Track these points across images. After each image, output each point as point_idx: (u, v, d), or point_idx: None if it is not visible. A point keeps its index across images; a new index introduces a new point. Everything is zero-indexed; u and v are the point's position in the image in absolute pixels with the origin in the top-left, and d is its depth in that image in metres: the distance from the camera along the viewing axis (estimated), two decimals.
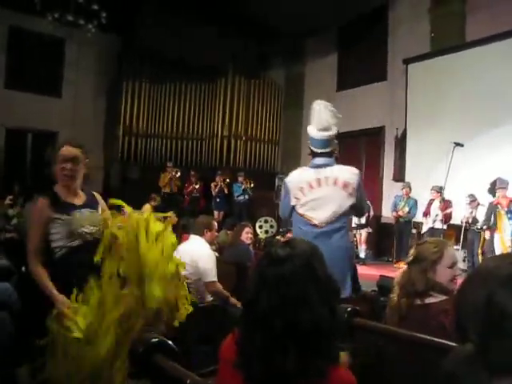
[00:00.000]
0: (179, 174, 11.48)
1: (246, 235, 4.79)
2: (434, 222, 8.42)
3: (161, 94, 12.84)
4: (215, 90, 12.92)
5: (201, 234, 3.81)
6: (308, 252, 1.25)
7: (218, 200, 11.41)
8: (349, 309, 1.86)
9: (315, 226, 2.91)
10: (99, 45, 12.22)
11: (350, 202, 2.95)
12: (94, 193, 2.84)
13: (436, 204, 8.44)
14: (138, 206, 6.08)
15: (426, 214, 8.65)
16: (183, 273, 3.54)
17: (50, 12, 9.45)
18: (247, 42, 12.44)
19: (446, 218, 8.36)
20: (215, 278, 3.66)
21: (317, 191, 2.95)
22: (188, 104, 12.95)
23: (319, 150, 3.05)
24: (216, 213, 10.98)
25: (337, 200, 2.93)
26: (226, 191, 11.42)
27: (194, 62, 12.12)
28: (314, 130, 3.05)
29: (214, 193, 11.45)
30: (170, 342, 1.33)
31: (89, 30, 9.94)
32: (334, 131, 3.07)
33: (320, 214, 2.91)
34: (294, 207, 3.02)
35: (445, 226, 8.37)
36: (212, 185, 11.51)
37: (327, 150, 3.06)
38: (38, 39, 11.85)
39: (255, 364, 1.15)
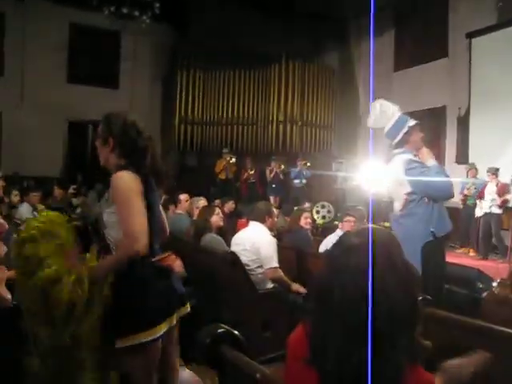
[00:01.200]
0: (234, 160, 11.51)
1: (305, 220, 4.70)
2: (491, 207, 7.95)
3: (215, 82, 12.89)
4: (269, 75, 12.81)
5: (261, 221, 3.76)
6: (384, 239, 1.15)
7: (273, 186, 11.37)
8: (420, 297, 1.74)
9: None
10: (153, 36, 12.40)
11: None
12: None
13: (491, 187, 7.97)
14: (196, 193, 6.17)
15: (480, 197, 8.18)
16: (243, 259, 3.53)
17: (105, 6, 9.66)
18: (300, 26, 12.22)
19: (503, 203, 7.88)
20: (277, 264, 3.61)
21: None
22: (243, 90, 12.92)
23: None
24: (272, 198, 10.94)
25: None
26: (281, 177, 11.36)
27: (247, 49, 12.05)
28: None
29: (269, 178, 11.42)
30: (236, 332, 1.28)
31: (143, 21, 10.09)
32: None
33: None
34: None
35: (500, 211, 7.92)
36: (267, 170, 11.48)
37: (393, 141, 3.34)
38: (96, 33, 12.18)
39: (331, 360, 1.07)
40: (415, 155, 3.25)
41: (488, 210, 8.00)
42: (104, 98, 12.36)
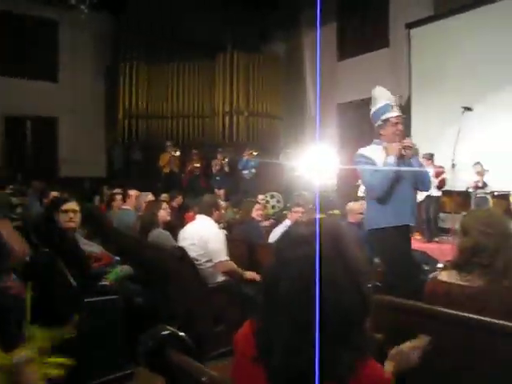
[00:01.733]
0: (178, 153, 11.33)
1: (257, 212, 4.67)
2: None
3: (159, 74, 12.61)
4: (214, 65, 12.66)
5: (208, 214, 3.70)
6: (331, 230, 1.12)
7: (217, 178, 11.28)
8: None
9: None
10: (93, 26, 11.94)
11: None
12: None
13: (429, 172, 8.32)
14: (143, 188, 6.02)
15: None
16: (191, 254, 3.46)
17: None
18: (245, 15, 12.13)
19: (441, 183, 8.25)
20: (227, 257, 3.56)
21: None
22: (187, 82, 12.71)
23: None
24: (216, 191, 10.86)
25: None
26: (226, 169, 11.28)
27: (192, 38, 11.86)
28: None
29: (214, 171, 11.32)
30: (181, 334, 1.22)
31: (81, 10, 9.69)
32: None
33: None
34: None
35: (439, 193, 8.36)
36: (213, 163, 11.37)
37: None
38: (31, 23, 11.59)
39: (277, 356, 1.03)
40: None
41: (428, 193, 8.32)
42: (43, 92, 11.83)
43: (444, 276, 2.00)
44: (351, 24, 11.67)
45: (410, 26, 9.91)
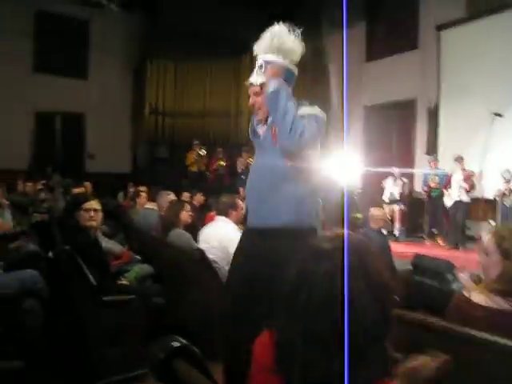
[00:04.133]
0: (205, 151, 11.39)
1: None
2: (459, 195, 8.12)
3: (186, 72, 12.69)
4: (240, 64, 12.67)
5: (226, 215, 3.67)
6: (356, 246, 1.10)
7: (242, 177, 11.27)
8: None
9: None
10: (123, 24, 12.11)
11: None
12: None
13: (458, 176, 8.14)
14: (168, 186, 6.05)
15: (446, 186, 8.38)
16: (211, 257, 3.46)
17: None
18: (270, 17, 12.10)
19: (471, 188, 8.07)
20: None
21: None
22: (214, 80, 12.76)
23: None
24: (242, 189, 10.86)
25: None
26: None
27: (218, 37, 11.89)
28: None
29: (239, 170, 11.32)
30: (193, 347, 1.21)
31: (111, 9, 9.85)
32: None
33: None
34: None
35: (469, 199, 8.14)
36: (238, 161, 11.37)
37: None
38: (63, 22, 11.82)
39: (297, 371, 1.01)
40: None
41: (458, 199, 8.15)
42: (73, 89, 12.05)
43: (478, 297, 1.90)
44: (380, 24, 11.51)
45: (440, 27, 9.72)
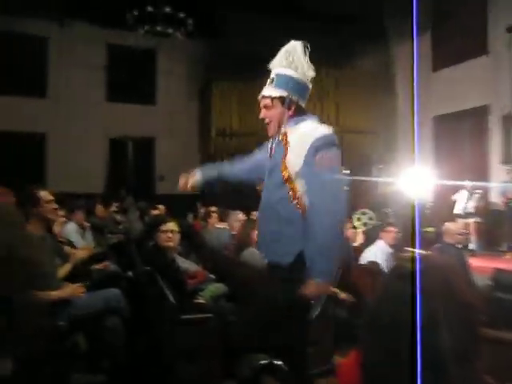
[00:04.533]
0: None
1: (348, 231, 4.59)
2: None
3: (249, 93, 12.91)
4: None
5: None
6: (441, 267, 1.08)
7: None
8: None
9: None
10: (188, 51, 12.60)
11: None
12: None
13: None
14: (236, 205, 6.16)
15: None
16: None
17: (140, 26, 9.90)
18: (328, 29, 12.11)
19: None
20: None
21: None
22: None
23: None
24: None
25: None
26: None
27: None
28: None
29: None
30: (279, 363, 1.23)
31: (177, 37, 10.28)
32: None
33: None
34: None
35: None
36: None
37: None
38: (132, 52, 12.51)
39: None
40: None
41: None
42: (142, 115, 12.65)
43: None
44: (446, 31, 11.18)
45: (511, 29, 9.30)
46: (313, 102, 12.52)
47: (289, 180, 2.23)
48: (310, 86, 2.41)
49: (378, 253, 4.39)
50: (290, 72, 2.32)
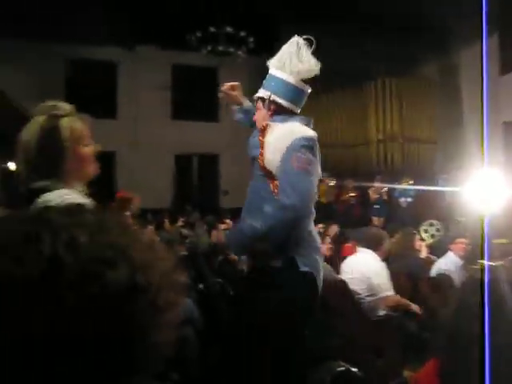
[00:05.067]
0: (333, 183, 11.42)
1: (418, 243, 4.51)
2: None
3: (310, 105, 12.96)
4: (365, 93, 12.63)
5: (374, 249, 3.65)
6: None
7: (376, 206, 11.05)
8: None
9: None
10: (249, 67, 12.85)
11: None
12: None
13: None
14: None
15: None
16: (353, 288, 3.48)
17: (203, 46, 10.26)
18: (390, 39, 11.96)
19: None
20: (392, 291, 3.50)
21: None
22: (338, 112, 12.87)
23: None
24: (376, 219, 10.64)
25: None
26: (385, 197, 11.02)
27: (342, 70, 12.03)
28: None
29: (372, 199, 11.12)
30: (355, 370, 1.28)
31: (238, 56, 10.55)
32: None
33: None
34: None
35: None
36: (370, 191, 11.20)
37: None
38: (195, 72, 12.97)
39: None
40: None
41: None
42: (206, 132, 13.04)
43: None
44: None
45: None
46: (375, 113, 12.41)
47: (269, 175, 2.28)
48: (304, 87, 2.45)
49: (448, 265, 4.29)
50: (278, 73, 2.37)
